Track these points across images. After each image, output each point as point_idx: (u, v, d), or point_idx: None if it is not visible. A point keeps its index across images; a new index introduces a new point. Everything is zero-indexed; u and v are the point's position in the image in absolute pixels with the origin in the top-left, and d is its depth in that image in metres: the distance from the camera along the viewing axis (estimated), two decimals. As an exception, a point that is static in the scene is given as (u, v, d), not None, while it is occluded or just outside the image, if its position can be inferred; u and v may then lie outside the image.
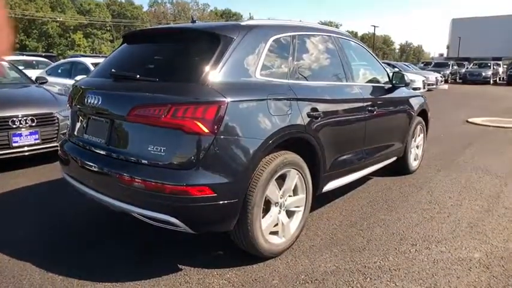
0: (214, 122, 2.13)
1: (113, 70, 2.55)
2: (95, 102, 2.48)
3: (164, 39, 2.71)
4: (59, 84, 7.44)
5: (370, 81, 3.89)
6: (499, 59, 34.97)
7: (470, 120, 9.42)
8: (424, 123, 4.94)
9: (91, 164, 2.47)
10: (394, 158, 4.36)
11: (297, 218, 2.80)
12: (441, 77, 21.51)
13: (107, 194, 2.39)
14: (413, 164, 4.82)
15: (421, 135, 4.96)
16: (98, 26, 41.76)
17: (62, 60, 8.79)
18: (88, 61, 7.24)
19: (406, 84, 4.10)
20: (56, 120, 4.91)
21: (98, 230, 3.11)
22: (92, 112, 2.60)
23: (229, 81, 2.31)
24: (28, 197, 3.87)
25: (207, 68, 2.27)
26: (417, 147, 4.89)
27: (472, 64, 29.70)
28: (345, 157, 3.25)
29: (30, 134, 4.67)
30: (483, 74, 26.02)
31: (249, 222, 2.36)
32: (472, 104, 13.53)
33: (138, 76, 2.36)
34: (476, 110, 11.41)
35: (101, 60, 8.21)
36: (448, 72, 27.16)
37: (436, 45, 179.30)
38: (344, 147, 3.22)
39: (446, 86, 21.31)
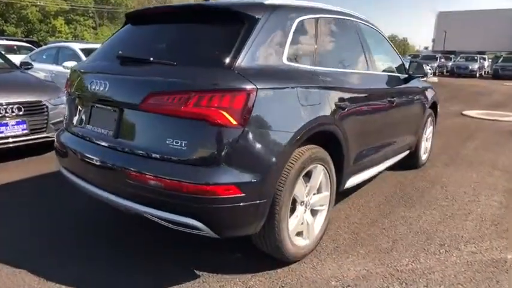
0: (242, 112, 1.87)
1: (120, 52, 2.24)
2: (100, 88, 2.19)
3: (178, 18, 2.39)
4: (44, 70, 6.98)
5: (388, 70, 3.68)
6: (483, 52, 35.42)
7: (465, 113, 9.38)
8: (434, 115, 4.79)
9: (95, 158, 2.18)
10: (408, 152, 4.19)
11: (321, 218, 2.58)
12: (430, 69, 21.60)
13: (113, 192, 2.12)
14: (423, 157, 4.67)
15: (431, 127, 4.81)
16: (80, 12, 40.33)
17: (48, 45, 8.25)
18: (76, 46, 6.80)
19: (424, 75, 3.90)
20: (45, 109, 4.54)
21: (98, 231, 2.82)
22: (95, 100, 2.30)
23: (256, 66, 2.05)
24: (14, 194, 3.53)
25: (231, 51, 2.00)
26: (426, 140, 4.74)
27: (459, 57, 29.96)
28: (367, 150, 3.04)
29: (17, 123, 4.29)
30: (470, 67, 26.27)
31: (276, 224, 2.12)
32: (461, 96, 13.56)
33: (151, 59, 2.07)
34: (468, 103, 11.41)
35: (91, 46, 7.78)
36: (435, 65, 27.34)
37: (420, 39, 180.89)
38: (367, 139, 3.01)
39: (436, 79, 21.40)
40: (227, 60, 1.97)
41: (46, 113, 4.54)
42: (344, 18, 3.05)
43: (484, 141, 6.25)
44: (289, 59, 2.26)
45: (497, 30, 41.15)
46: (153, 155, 1.94)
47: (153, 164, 1.93)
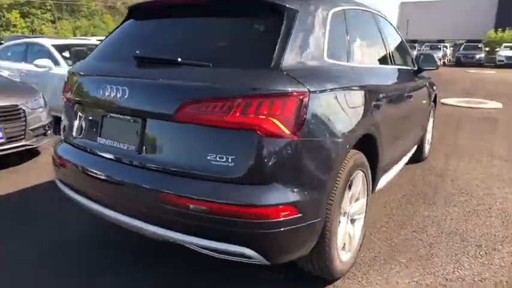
0: (296, 119, 1.62)
1: (137, 52, 1.90)
2: (117, 95, 1.85)
3: (200, 11, 2.06)
4: (10, 69, 6.33)
5: (404, 63, 3.52)
6: (443, 41, 36.69)
7: (443, 101, 9.52)
8: (434, 107, 4.73)
9: (112, 176, 1.87)
10: (416, 145, 4.09)
11: (359, 227, 2.39)
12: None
13: (137, 216, 1.82)
14: (427, 150, 4.60)
15: (432, 119, 4.75)
16: (36, 5, 37.88)
17: (15, 41, 7.48)
18: (48, 43, 6.18)
19: (436, 67, 3.77)
20: (23, 114, 4.06)
21: (110, 249, 2.49)
22: (109, 108, 1.97)
23: (302, 66, 1.80)
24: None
25: (274, 49, 1.72)
26: (428, 132, 4.67)
27: (423, 46, 30.80)
28: (393, 148, 2.87)
29: (-9, 131, 3.80)
30: (434, 55, 27.03)
31: (327, 242, 1.90)
32: (436, 84, 13.84)
33: (179, 59, 1.76)
34: (440, 91, 11.63)
35: (65, 42, 7.17)
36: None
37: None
38: (393, 137, 2.84)
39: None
40: (271, 59, 1.69)
41: (24, 119, 4.07)
42: (364, 10, 2.83)
43: (473, 130, 6.31)
44: (329, 56, 2.02)
45: (455, 19, 42.62)
46: (192, 174, 1.66)
47: (192, 185, 1.64)
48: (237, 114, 1.57)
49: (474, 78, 16.71)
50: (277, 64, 1.68)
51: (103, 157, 1.96)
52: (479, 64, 25.55)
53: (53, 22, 39.21)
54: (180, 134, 1.72)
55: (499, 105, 9.01)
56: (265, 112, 1.57)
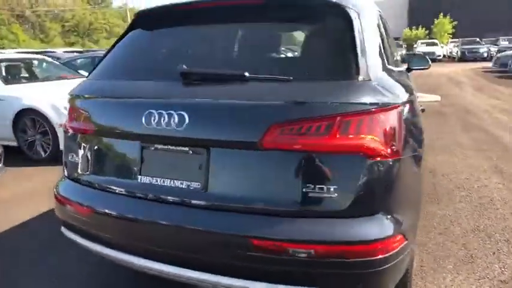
0: (396, 135, 1.44)
1: (184, 66, 1.56)
2: (170, 121, 1.49)
3: (257, 16, 1.74)
4: None
5: (400, 63, 3.51)
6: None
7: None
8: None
9: (167, 223, 1.53)
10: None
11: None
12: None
13: (203, 268, 1.50)
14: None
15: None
16: None
17: None
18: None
19: (428, 67, 3.81)
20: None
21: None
22: (154, 139, 1.60)
23: (379, 74, 1.61)
24: None
25: (355, 57, 1.50)
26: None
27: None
28: None
29: None
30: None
31: (410, 264, 1.75)
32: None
33: (247, 74, 1.47)
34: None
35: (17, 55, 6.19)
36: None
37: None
38: None
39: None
40: (358, 69, 1.47)
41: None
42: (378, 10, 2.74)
43: (429, 125, 6.63)
44: (388, 62, 1.87)
45: (392, 17, 45.56)
46: (285, 212, 1.39)
47: (289, 224, 1.37)
48: (338, 135, 1.34)
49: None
50: (367, 75, 1.47)
51: (148, 199, 1.59)
52: (402, 60, 27.57)
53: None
54: (263, 164, 1.43)
55: (438, 97, 9.68)
56: (367, 130, 1.37)
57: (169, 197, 1.55)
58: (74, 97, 1.90)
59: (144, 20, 2.00)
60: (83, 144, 1.83)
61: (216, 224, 1.45)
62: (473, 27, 32.76)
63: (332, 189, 1.35)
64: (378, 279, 1.42)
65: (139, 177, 1.62)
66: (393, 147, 1.41)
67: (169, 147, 1.56)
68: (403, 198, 1.49)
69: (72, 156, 1.87)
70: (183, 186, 1.52)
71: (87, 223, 1.75)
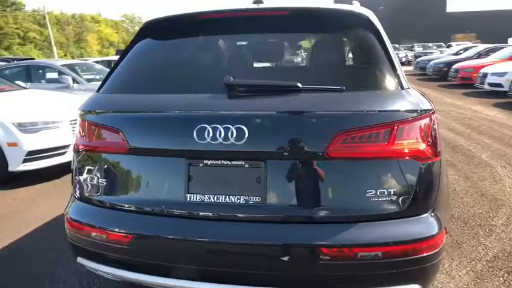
0: (436, 138, 1.59)
1: (231, 78, 1.55)
2: (227, 135, 1.47)
3: (275, 26, 1.77)
4: None
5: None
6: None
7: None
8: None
9: (227, 240, 1.51)
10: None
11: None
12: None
13: (274, 284, 1.51)
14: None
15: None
16: None
17: None
18: None
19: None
20: None
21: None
22: (204, 154, 1.54)
23: (407, 82, 1.75)
24: None
25: (392, 66, 1.63)
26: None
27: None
28: None
29: None
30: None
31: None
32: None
33: (299, 85, 1.52)
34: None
35: None
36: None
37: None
38: None
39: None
40: (397, 78, 1.60)
41: None
42: None
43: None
44: None
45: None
46: (351, 217, 1.46)
47: (357, 230, 1.44)
48: (395, 141, 1.45)
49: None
50: (405, 83, 1.61)
51: (199, 218, 1.55)
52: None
53: None
54: (325, 173, 1.48)
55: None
56: (417, 135, 1.50)
57: (226, 213, 1.52)
58: (92, 113, 1.75)
59: (160, 29, 1.92)
60: (110, 164, 1.69)
61: (280, 236, 1.47)
62: (391, 34, 35.82)
63: (392, 192, 1.46)
64: (432, 272, 1.55)
65: (187, 195, 1.55)
66: (436, 149, 1.56)
67: (223, 162, 1.53)
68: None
69: (94, 177, 1.71)
70: (241, 201, 1.50)
71: (124, 250, 1.62)
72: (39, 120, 4.25)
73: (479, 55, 14.85)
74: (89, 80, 7.17)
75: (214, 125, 1.48)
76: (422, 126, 1.52)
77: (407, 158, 1.47)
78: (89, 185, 1.75)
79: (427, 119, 1.54)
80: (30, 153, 4.15)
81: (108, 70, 6.86)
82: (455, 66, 13.47)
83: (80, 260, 1.77)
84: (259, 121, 1.49)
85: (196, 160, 1.56)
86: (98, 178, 1.69)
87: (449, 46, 26.24)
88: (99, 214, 1.70)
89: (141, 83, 1.79)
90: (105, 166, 1.69)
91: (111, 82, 1.82)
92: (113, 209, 1.67)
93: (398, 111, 1.49)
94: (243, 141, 1.46)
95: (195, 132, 1.50)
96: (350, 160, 1.47)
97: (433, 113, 1.59)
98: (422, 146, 1.50)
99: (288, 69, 1.73)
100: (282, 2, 2.02)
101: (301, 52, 1.82)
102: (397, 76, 1.61)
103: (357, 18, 1.78)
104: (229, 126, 1.47)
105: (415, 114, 1.51)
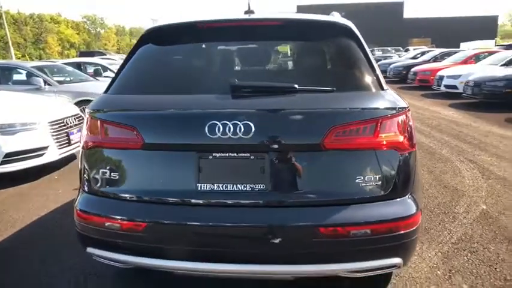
0: (412, 132, 1.84)
1: (236, 80, 1.74)
2: (236, 131, 1.65)
3: (268, 34, 1.97)
4: None
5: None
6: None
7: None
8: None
9: (238, 224, 1.69)
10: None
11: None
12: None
13: (273, 261, 1.72)
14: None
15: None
16: None
17: None
18: None
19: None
20: None
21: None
22: (212, 148, 1.71)
23: (385, 83, 2.00)
24: None
25: (372, 70, 1.90)
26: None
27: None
28: None
29: None
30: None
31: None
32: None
33: (296, 86, 1.72)
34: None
35: None
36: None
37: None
38: None
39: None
40: (377, 81, 1.86)
41: None
42: None
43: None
44: None
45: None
46: (343, 200, 1.68)
47: (349, 211, 1.66)
48: (380, 134, 1.69)
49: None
50: (384, 85, 1.86)
51: (210, 205, 1.71)
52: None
53: None
54: (321, 162, 1.70)
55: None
56: (399, 129, 1.74)
57: (234, 200, 1.70)
58: (104, 112, 1.87)
59: (163, 36, 2.08)
60: (123, 158, 1.82)
61: (284, 218, 1.67)
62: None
63: (377, 178, 1.70)
64: (411, 247, 1.80)
65: (198, 185, 1.71)
66: (412, 141, 1.81)
67: (230, 154, 1.71)
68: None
69: (106, 172, 1.82)
70: (247, 189, 1.69)
71: (139, 238, 1.74)
72: (17, 121, 4.20)
73: (435, 59, 15.83)
74: (60, 82, 7.03)
75: (224, 122, 1.66)
76: (400, 122, 1.77)
77: (389, 148, 1.72)
78: (102, 178, 1.84)
79: (404, 115, 1.79)
80: (8, 155, 4.10)
81: (80, 72, 6.81)
82: (413, 69, 14.31)
83: (90, 250, 1.87)
84: (263, 117, 1.70)
85: (206, 153, 1.73)
86: (111, 172, 1.81)
87: (407, 50, 27.63)
88: (113, 205, 1.81)
89: (150, 85, 1.94)
90: (119, 161, 1.82)
91: (119, 84, 1.95)
92: (127, 200, 1.79)
93: (381, 108, 1.74)
94: (250, 135, 1.65)
95: (206, 128, 1.67)
96: (342, 151, 1.70)
97: (408, 110, 1.85)
98: (401, 139, 1.75)
99: (284, 72, 1.94)
100: (269, 12, 2.24)
101: (295, 57, 2.03)
102: (378, 79, 1.87)
103: (342, 29, 2.03)
104: (237, 122, 1.66)
105: (394, 111, 1.76)
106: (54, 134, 4.52)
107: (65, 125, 4.70)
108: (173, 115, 1.78)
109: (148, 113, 1.81)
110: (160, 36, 2.07)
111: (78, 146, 4.90)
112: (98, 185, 1.85)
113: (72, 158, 5.14)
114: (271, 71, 1.97)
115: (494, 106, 8.67)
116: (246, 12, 2.26)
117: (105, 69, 10.64)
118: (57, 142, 4.55)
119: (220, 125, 1.66)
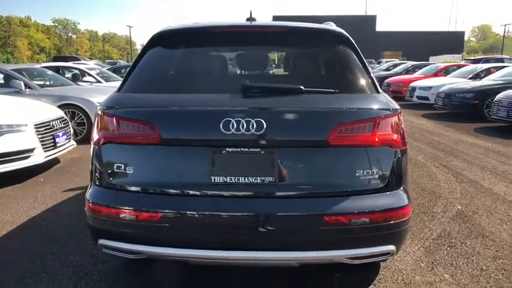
0: (404, 131, 2.03)
1: (247, 81, 1.89)
2: (249, 127, 1.79)
3: (273, 40, 2.15)
4: None
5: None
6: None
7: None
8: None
9: (249, 214, 1.82)
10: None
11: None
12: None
13: (281, 248, 1.86)
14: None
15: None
16: None
17: None
18: None
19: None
20: None
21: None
22: (226, 143, 1.84)
23: (379, 86, 2.21)
24: None
25: (367, 74, 2.12)
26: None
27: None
28: None
29: None
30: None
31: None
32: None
33: (302, 87, 1.89)
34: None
35: None
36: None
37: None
38: None
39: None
40: (372, 84, 2.07)
41: None
42: None
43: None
44: None
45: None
46: (345, 192, 1.85)
47: (350, 201, 1.83)
48: (377, 132, 1.87)
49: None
50: (379, 89, 2.06)
51: (223, 196, 1.83)
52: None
53: None
54: (326, 157, 1.87)
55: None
56: (393, 128, 1.94)
57: (246, 192, 1.83)
58: (119, 108, 1.95)
59: (173, 39, 2.21)
60: (140, 152, 1.90)
61: (291, 208, 1.81)
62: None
63: (375, 172, 1.88)
64: (404, 235, 1.98)
65: (211, 177, 1.83)
66: (404, 139, 2.01)
67: (242, 149, 1.84)
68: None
69: (121, 166, 1.89)
70: (258, 181, 1.83)
71: (155, 228, 1.82)
72: (3, 123, 4.15)
73: (407, 71, 16.54)
74: (41, 86, 6.92)
75: (238, 119, 1.80)
76: (394, 122, 1.96)
77: (385, 145, 1.90)
78: (117, 172, 1.91)
79: (397, 116, 1.99)
80: (-6, 157, 4.03)
81: (61, 76, 6.78)
82: (386, 80, 14.89)
83: (102, 241, 1.93)
84: (274, 116, 1.85)
85: (220, 148, 1.85)
86: (126, 166, 1.89)
87: (379, 62, 28.69)
88: (128, 197, 1.88)
89: (163, 84, 2.07)
90: (135, 155, 1.91)
91: (131, 83, 2.06)
92: (141, 192, 1.88)
93: (378, 109, 1.93)
94: (261, 131, 1.80)
95: (221, 125, 1.80)
96: (344, 147, 1.87)
97: (401, 112, 2.04)
98: (395, 137, 1.94)
99: (289, 75, 2.11)
100: (269, 20, 2.43)
101: (300, 61, 2.22)
102: (374, 83, 2.06)
103: (344, 37, 2.24)
104: (250, 119, 1.80)
105: (389, 112, 1.95)
106: (40, 136, 4.49)
107: (51, 128, 4.69)
108: (190, 112, 1.90)
109: (165, 110, 1.92)
110: (173, 38, 2.21)
111: (64, 149, 4.93)
112: (112, 178, 1.92)
113: (55, 161, 5.09)
114: (279, 73, 2.14)
115: (464, 116, 9.21)
116: (248, 20, 2.43)
117: (84, 74, 10.52)
118: (43, 144, 4.52)
119: (234, 122, 1.79)
